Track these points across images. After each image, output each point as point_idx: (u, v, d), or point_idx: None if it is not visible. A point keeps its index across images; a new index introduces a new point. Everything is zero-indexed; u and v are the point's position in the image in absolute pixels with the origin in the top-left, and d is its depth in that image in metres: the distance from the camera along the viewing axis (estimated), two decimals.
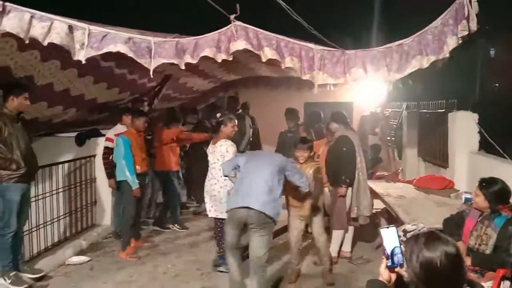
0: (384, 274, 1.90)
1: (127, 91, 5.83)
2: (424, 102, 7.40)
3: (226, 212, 3.87)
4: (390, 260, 1.86)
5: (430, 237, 1.61)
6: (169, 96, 7.31)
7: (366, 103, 8.83)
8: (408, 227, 2.05)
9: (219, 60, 3.69)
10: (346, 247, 5.06)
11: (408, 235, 2.06)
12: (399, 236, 2.09)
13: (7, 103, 3.98)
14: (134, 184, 5.03)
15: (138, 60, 3.56)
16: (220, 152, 4.57)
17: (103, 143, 5.56)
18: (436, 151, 6.64)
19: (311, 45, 3.93)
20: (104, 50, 3.46)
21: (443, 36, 3.83)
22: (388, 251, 1.88)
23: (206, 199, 4.72)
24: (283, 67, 3.89)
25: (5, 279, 4.06)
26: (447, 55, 3.84)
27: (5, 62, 3.71)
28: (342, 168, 4.77)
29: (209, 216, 4.79)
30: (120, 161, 5.07)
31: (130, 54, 3.50)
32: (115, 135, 5.32)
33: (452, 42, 3.80)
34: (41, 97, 4.54)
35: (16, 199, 4.04)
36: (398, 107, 8.67)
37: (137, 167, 5.13)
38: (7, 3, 3.16)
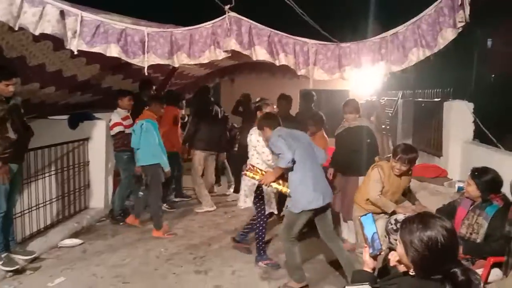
0: (369, 263, 1.92)
1: (122, 74, 5.78)
2: (420, 90, 7.41)
3: (307, 210, 3.72)
4: (371, 248, 1.88)
5: (424, 218, 1.63)
6: (181, 74, 7.29)
7: (362, 91, 8.82)
8: (399, 216, 2.06)
9: (219, 58, 3.65)
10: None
11: (399, 225, 2.07)
12: (390, 224, 2.10)
13: None
14: (166, 165, 5.28)
15: (131, 61, 3.51)
16: (251, 142, 4.44)
17: (117, 128, 5.58)
18: (430, 140, 6.66)
19: (305, 39, 3.89)
20: (96, 49, 3.41)
21: (438, 27, 3.79)
22: (369, 238, 1.91)
23: (245, 192, 4.59)
24: (277, 64, 3.83)
25: None
26: (441, 47, 3.82)
27: None
28: (366, 160, 4.56)
29: (242, 207, 4.80)
30: (148, 146, 5.15)
31: (122, 56, 3.46)
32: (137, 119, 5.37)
33: (449, 35, 3.77)
34: (33, 78, 4.49)
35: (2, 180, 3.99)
36: (394, 95, 8.67)
37: None
38: None
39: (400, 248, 1.65)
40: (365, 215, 1.94)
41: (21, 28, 3.42)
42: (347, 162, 4.72)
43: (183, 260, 4.64)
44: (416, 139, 7.43)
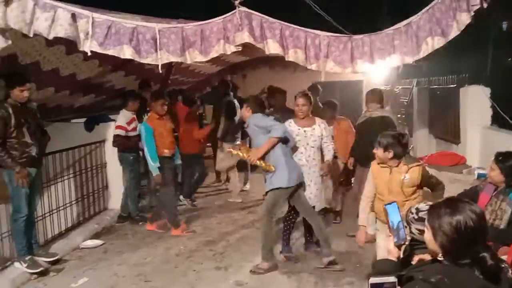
0: (393, 252, 1.90)
1: (133, 74, 5.81)
2: (435, 77, 7.28)
3: (284, 187, 4.06)
4: (396, 236, 1.87)
5: (452, 202, 1.61)
6: (176, 80, 7.28)
7: (376, 80, 8.72)
8: (421, 205, 2.03)
9: (229, 53, 3.63)
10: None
11: (421, 214, 2.06)
12: (412, 213, 2.08)
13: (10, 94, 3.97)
14: (155, 170, 5.09)
15: (144, 61, 3.52)
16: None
17: (117, 131, 5.47)
18: (447, 127, 6.56)
19: (317, 31, 3.84)
20: (110, 52, 3.43)
21: (452, 13, 3.71)
22: (394, 227, 1.89)
23: None
24: (286, 59, 3.80)
25: (21, 263, 4.14)
26: (458, 32, 3.73)
27: (11, 49, 3.70)
28: None
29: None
30: (146, 149, 5.16)
31: (136, 57, 3.47)
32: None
33: (463, 19, 3.68)
34: (48, 82, 4.55)
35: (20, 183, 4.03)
36: (408, 84, 8.55)
37: (166, 150, 5.19)
38: None
39: (428, 234, 1.64)
40: (390, 203, 1.91)
41: (35, 34, 3.47)
42: (367, 153, 4.64)
43: (202, 257, 4.67)
44: (433, 127, 7.33)
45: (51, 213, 5.04)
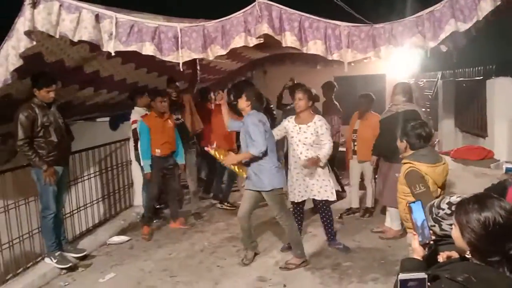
0: (419, 251, 1.87)
1: (155, 71, 5.87)
2: (461, 70, 7.11)
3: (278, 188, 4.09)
4: (421, 235, 1.84)
5: (480, 199, 1.58)
6: (214, 69, 7.32)
7: (399, 74, 8.56)
8: (453, 199, 1.97)
9: (251, 45, 3.62)
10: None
11: (454, 207, 2.00)
12: (442, 209, 2.04)
13: (36, 94, 4.08)
14: (146, 168, 5.12)
15: (166, 58, 3.55)
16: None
17: (133, 125, 5.51)
18: (474, 120, 6.41)
19: (337, 22, 3.80)
20: (132, 48, 3.48)
21: (476, 0, 3.61)
22: (418, 226, 1.86)
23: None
24: (305, 52, 3.76)
25: (51, 259, 4.27)
26: (480, 18, 3.63)
27: (37, 48, 3.80)
28: None
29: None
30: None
31: (157, 54, 3.50)
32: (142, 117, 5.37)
33: (487, 6, 3.58)
34: (72, 80, 4.65)
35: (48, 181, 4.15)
36: (433, 76, 8.38)
37: (157, 150, 5.15)
38: None
39: (455, 230, 1.61)
40: (415, 201, 1.88)
41: (60, 35, 3.54)
42: (393, 148, 4.58)
43: (226, 252, 4.71)
44: (459, 121, 7.17)
45: (78, 210, 5.17)
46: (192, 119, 5.96)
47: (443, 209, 2.04)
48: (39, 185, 4.19)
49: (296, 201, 4.54)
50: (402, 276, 1.44)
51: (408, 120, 3.59)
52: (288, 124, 4.45)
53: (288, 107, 6.25)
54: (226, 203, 6.30)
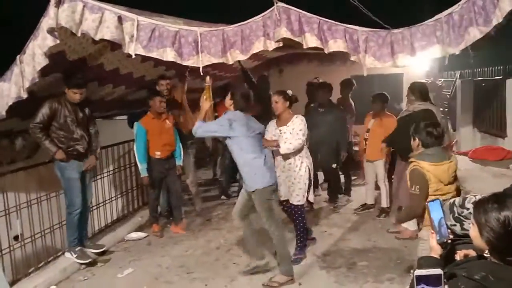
0: (436, 249, 1.88)
1: (173, 69, 5.92)
2: (480, 69, 7.02)
3: (267, 186, 3.86)
4: (438, 234, 1.85)
5: (499, 198, 1.59)
6: (214, 75, 7.37)
7: (417, 74, 8.49)
8: (478, 198, 1.97)
9: (270, 49, 3.65)
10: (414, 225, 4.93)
11: None
12: (467, 209, 2.04)
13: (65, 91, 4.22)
14: (142, 172, 5.03)
15: (186, 63, 3.59)
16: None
17: None
18: (493, 120, 6.32)
19: (355, 27, 3.80)
20: (153, 55, 3.55)
21: (495, 0, 3.57)
22: (436, 224, 1.87)
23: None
24: (326, 52, 3.76)
25: (71, 254, 4.37)
26: (500, 20, 3.58)
27: (60, 47, 3.90)
28: None
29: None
30: None
31: (178, 60, 3.55)
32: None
33: (506, 6, 3.53)
34: (93, 77, 4.76)
35: (74, 176, 4.28)
36: (451, 76, 8.28)
37: (157, 152, 5.06)
38: None
39: (473, 229, 1.61)
40: (433, 200, 1.90)
41: (82, 34, 3.63)
42: (408, 147, 4.55)
43: (242, 250, 4.74)
44: (477, 121, 7.08)
45: (98, 206, 5.28)
46: (186, 117, 5.66)
47: (467, 209, 2.04)
48: (62, 181, 4.30)
49: (281, 199, 4.50)
50: (418, 272, 1.46)
51: (422, 119, 3.69)
52: (270, 127, 4.43)
53: (312, 105, 6.27)
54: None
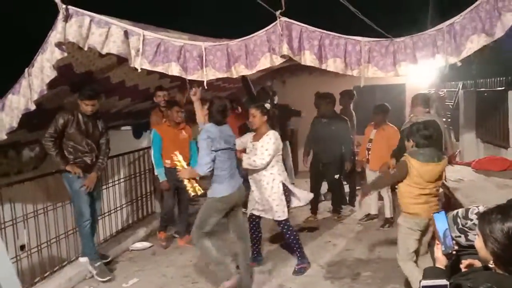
0: (441, 260, 1.91)
1: (178, 80, 5.99)
2: (482, 80, 7.06)
3: (225, 196, 3.81)
4: (443, 245, 1.88)
5: (503, 209, 1.62)
6: (218, 87, 7.44)
7: (419, 84, 8.54)
8: (481, 209, 2.00)
9: (276, 64, 3.68)
10: None
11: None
12: (471, 220, 2.08)
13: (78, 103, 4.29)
14: (161, 177, 5.09)
15: (190, 77, 3.64)
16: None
17: None
18: (496, 131, 6.34)
19: (358, 38, 3.85)
20: (159, 69, 3.61)
21: (497, 13, 3.61)
22: (441, 235, 1.90)
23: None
24: (324, 68, 3.79)
25: (93, 268, 4.38)
26: (502, 34, 3.63)
27: (67, 60, 3.97)
28: None
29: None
30: None
31: (183, 74, 3.61)
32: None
33: (509, 20, 3.58)
34: (100, 89, 4.82)
35: (82, 188, 4.28)
36: (453, 86, 8.32)
37: (167, 161, 5.02)
38: (69, 6, 3.37)
39: (478, 240, 1.64)
40: (439, 212, 1.93)
41: (89, 48, 3.70)
42: None
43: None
44: (480, 131, 7.09)
45: (103, 216, 5.31)
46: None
47: (471, 220, 2.06)
48: (71, 193, 4.34)
49: (250, 213, 4.50)
50: (424, 282, 1.48)
51: (414, 123, 3.93)
52: (246, 138, 4.46)
53: (316, 116, 6.30)
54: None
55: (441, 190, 5.04)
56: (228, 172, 3.84)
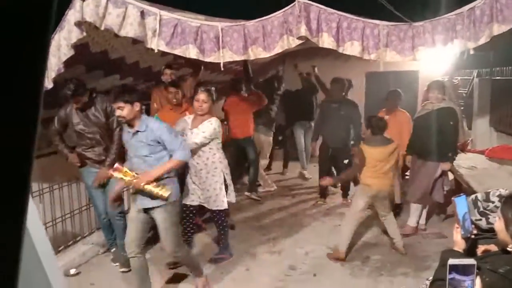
0: (460, 244, 1.92)
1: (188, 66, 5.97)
2: (498, 68, 6.97)
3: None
4: (463, 229, 1.89)
5: None
6: (225, 67, 7.37)
7: (433, 71, 8.44)
8: (503, 192, 2.01)
9: (293, 46, 3.65)
10: (422, 220, 4.99)
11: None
12: (492, 202, 2.08)
13: None
14: None
15: (208, 59, 3.59)
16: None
17: None
18: (510, 119, 6.29)
19: (376, 21, 3.80)
20: (176, 52, 3.57)
21: None
22: (460, 218, 1.91)
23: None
24: (341, 52, 3.76)
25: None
26: None
27: (85, 39, 3.97)
28: (447, 143, 4.52)
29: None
30: None
31: (200, 57, 3.57)
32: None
33: None
34: (114, 70, 4.83)
35: (90, 183, 4.12)
36: (467, 74, 8.23)
37: None
38: None
39: (499, 223, 1.65)
40: (459, 196, 1.94)
41: (106, 28, 3.70)
42: (429, 146, 4.57)
43: (256, 241, 4.82)
44: (494, 120, 7.04)
45: None
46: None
47: (493, 202, 2.07)
48: (86, 187, 4.30)
49: (187, 204, 4.21)
50: (452, 261, 1.48)
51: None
52: (184, 127, 4.03)
53: (324, 100, 6.27)
54: (253, 193, 6.38)
55: (451, 177, 5.07)
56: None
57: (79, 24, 3.53)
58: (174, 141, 3.23)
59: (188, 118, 4.07)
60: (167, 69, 5.15)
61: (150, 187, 3.17)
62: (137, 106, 3.24)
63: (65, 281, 1.51)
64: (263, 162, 7.10)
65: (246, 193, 6.39)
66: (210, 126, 3.92)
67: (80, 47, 4.00)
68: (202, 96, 3.93)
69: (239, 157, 6.40)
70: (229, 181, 4.19)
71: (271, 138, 7.04)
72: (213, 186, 4.08)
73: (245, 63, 6.14)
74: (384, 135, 4.30)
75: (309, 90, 7.50)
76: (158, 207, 3.26)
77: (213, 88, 4.15)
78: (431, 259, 4.18)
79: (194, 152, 3.89)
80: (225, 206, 4.14)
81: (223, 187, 4.10)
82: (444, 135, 4.50)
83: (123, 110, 3.17)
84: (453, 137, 4.55)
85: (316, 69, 6.91)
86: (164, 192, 3.19)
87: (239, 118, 6.10)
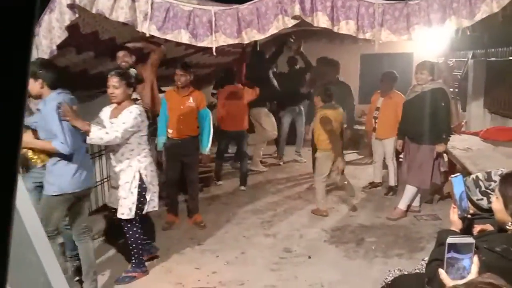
0: (457, 223, 1.91)
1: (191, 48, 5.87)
2: (493, 50, 6.92)
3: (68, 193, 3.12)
4: (459, 208, 1.87)
5: None
6: (223, 51, 7.30)
7: (427, 53, 8.39)
8: (504, 170, 2.00)
9: (289, 26, 3.59)
10: (416, 202, 5.00)
11: None
12: (494, 181, 2.07)
13: None
14: (159, 145, 4.58)
15: (200, 44, 3.53)
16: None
17: None
18: (505, 101, 6.28)
19: (372, 0, 3.74)
20: (168, 37, 3.50)
21: None
22: (457, 198, 1.89)
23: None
24: (336, 31, 3.70)
25: None
26: None
27: (75, 20, 3.87)
28: (441, 125, 4.51)
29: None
30: None
31: (192, 42, 3.50)
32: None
33: None
34: (105, 51, 4.73)
35: None
36: (462, 56, 8.18)
37: (169, 130, 4.56)
38: None
39: (497, 203, 1.64)
40: (456, 175, 1.92)
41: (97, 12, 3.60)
42: (421, 129, 4.55)
43: (251, 224, 4.82)
44: (488, 101, 7.03)
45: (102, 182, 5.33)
46: (153, 95, 4.58)
47: (495, 181, 2.06)
48: None
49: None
50: (450, 240, 1.47)
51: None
52: (103, 116, 3.51)
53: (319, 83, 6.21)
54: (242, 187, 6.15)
55: (446, 158, 5.07)
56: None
57: (72, 6, 3.44)
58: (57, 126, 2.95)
59: (110, 107, 3.50)
60: (120, 51, 4.48)
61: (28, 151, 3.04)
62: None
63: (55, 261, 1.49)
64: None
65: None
66: (130, 115, 3.33)
67: (70, 28, 3.92)
68: (111, 80, 3.36)
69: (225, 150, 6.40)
70: (150, 186, 3.53)
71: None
72: (123, 187, 3.46)
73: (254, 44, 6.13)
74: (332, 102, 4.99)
75: (295, 73, 7.38)
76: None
77: (133, 70, 3.78)
78: (425, 240, 4.21)
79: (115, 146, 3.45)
80: (131, 215, 3.45)
81: (136, 192, 3.44)
82: (436, 117, 4.48)
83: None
84: (446, 118, 4.54)
85: (301, 47, 6.85)
86: (36, 160, 3.05)
87: (233, 111, 5.95)
